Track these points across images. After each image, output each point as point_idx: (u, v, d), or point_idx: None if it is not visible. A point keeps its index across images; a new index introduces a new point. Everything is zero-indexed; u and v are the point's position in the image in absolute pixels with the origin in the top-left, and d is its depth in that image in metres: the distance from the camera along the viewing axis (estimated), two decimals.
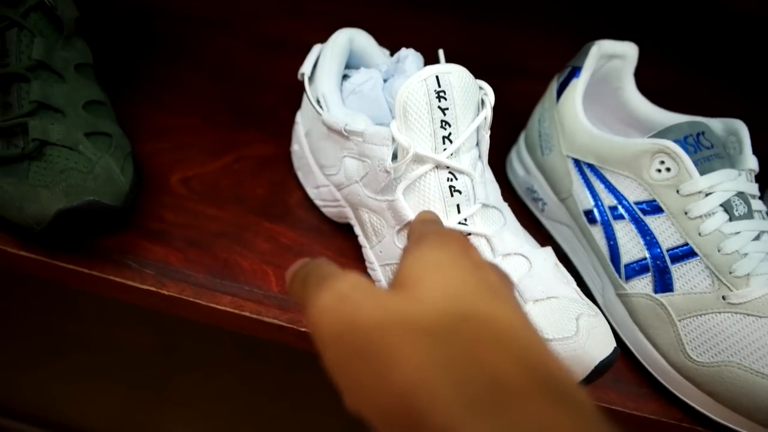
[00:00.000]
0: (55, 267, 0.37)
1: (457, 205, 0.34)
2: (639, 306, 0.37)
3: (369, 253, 0.38)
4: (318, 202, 0.42)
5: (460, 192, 0.34)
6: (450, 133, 0.34)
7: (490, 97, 0.35)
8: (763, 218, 0.36)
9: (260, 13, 0.60)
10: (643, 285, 0.37)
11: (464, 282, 0.21)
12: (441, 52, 0.40)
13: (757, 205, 0.36)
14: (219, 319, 0.37)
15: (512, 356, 0.18)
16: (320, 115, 0.38)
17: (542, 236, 0.45)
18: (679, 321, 0.35)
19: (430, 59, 0.41)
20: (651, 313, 0.36)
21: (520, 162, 0.46)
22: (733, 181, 0.35)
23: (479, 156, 0.35)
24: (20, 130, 0.36)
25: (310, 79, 0.40)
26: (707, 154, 0.36)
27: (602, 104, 0.45)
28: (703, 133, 0.37)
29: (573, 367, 0.32)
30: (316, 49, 0.41)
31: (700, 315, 0.35)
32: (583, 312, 0.33)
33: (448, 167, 0.34)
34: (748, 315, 0.34)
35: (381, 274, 0.37)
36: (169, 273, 0.38)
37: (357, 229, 0.39)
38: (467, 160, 0.34)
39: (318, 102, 0.39)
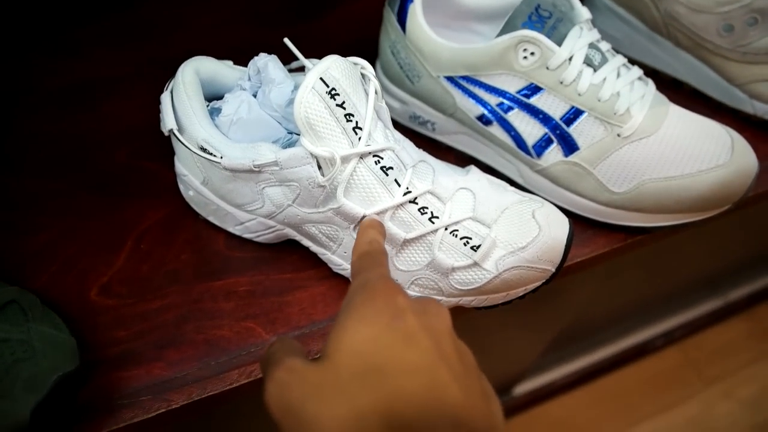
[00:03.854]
0: None
1: (395, 180, 0.35)
2: (557, 172, 0.42)
3: (332, 258, 0.39)
4: (248, 236, 0.41)
5: (391, 168, 0.35)
6: (356, 122, 0.34)
7: (369, 69, 0.35)
8: (614, 55, 0.41)
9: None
10: (553, 155, 0.42)
11: (377, 337, 0.24)
12: (288, 42, 0.38)
13: (604, 46, 0.41)
14: (240, 395, 0.36)
15: (410, 399, 0.22)
16: (219, 162, 0.36)
17: (442, 150, 0.48)
18: (594, 169, 0.41)
19: (272, 49, 0.40)
20: (570, 173, 0.42)
21: (390, 97, 0.48)
22: (581, 37, 0.40)
23: (384, 125, 0.36)
24: None
25: (180, 130, 0.37)
26: (551, 24, 0.40)
27: (435, 10, 0.46)
28: (538, 6, 0.41)
29: (547, 255, 0.37)
30: (166, 98, 0.37)
31: (608, 157, 0.41)
32: (534, 207, 0.37)
33: (370, 153, 0.35)
34: (641, 139, 0.40)
35: None
36: (165, 386, 0.36)
37: (306, 242, 0.40)
38: (380, 136, 0.35)
39: (204, 149, 0.36)
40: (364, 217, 0.35)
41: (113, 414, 0.35)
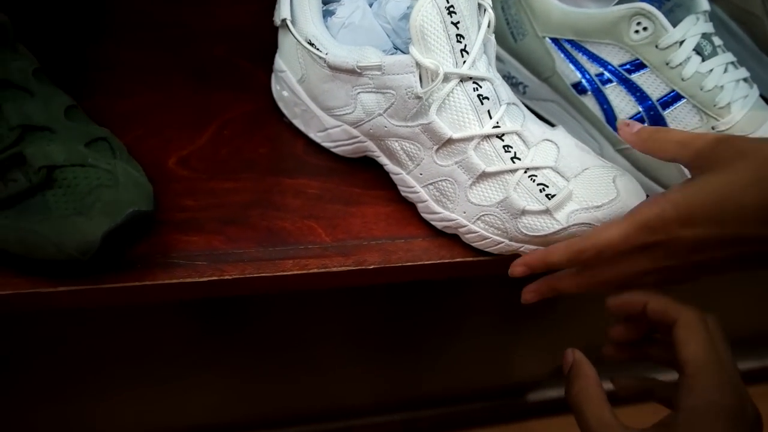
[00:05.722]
0: (104, 291, 0.35)
1: (488, 111, 0.36)
2: (640, 155, 0.42)
3: (406, 178, 0.39)
4: (327, 144, 0.42)
5: (488, 98, 0.36)
6: (465, 45, 0.35)
7: (487, 0, 0.36)
8: (724, 51, 0.41)
9: None
10: None
11: None
12: None
13: (716, 41, 0.41)
14: (290, 284, 0.37)
15: None
16: (323, 58, 0.37)
17: None
18: None
19: None
20: (652, 159, 0.42)
21: None
22: (696, 25, 0.40)
23: (489, 60, 0.37)
24: (12, 163, 0.32)
25: (292, 23, 0.38)
26: (669, 7, 0.40)
27: None
28: None
29: None
30: None
31: None
32: (616, 174, 0.37)
33: (471, 78, 0.35)
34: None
35: (426, 194, 0.39)
36: (221, 258, 0.37)
37: (382, 159, 0.40)
38: (483, 66, 0.36)
39: (311, 44, 0.38)
40: (450, 139, 0.36)
41: (168, 270, 0.36)
